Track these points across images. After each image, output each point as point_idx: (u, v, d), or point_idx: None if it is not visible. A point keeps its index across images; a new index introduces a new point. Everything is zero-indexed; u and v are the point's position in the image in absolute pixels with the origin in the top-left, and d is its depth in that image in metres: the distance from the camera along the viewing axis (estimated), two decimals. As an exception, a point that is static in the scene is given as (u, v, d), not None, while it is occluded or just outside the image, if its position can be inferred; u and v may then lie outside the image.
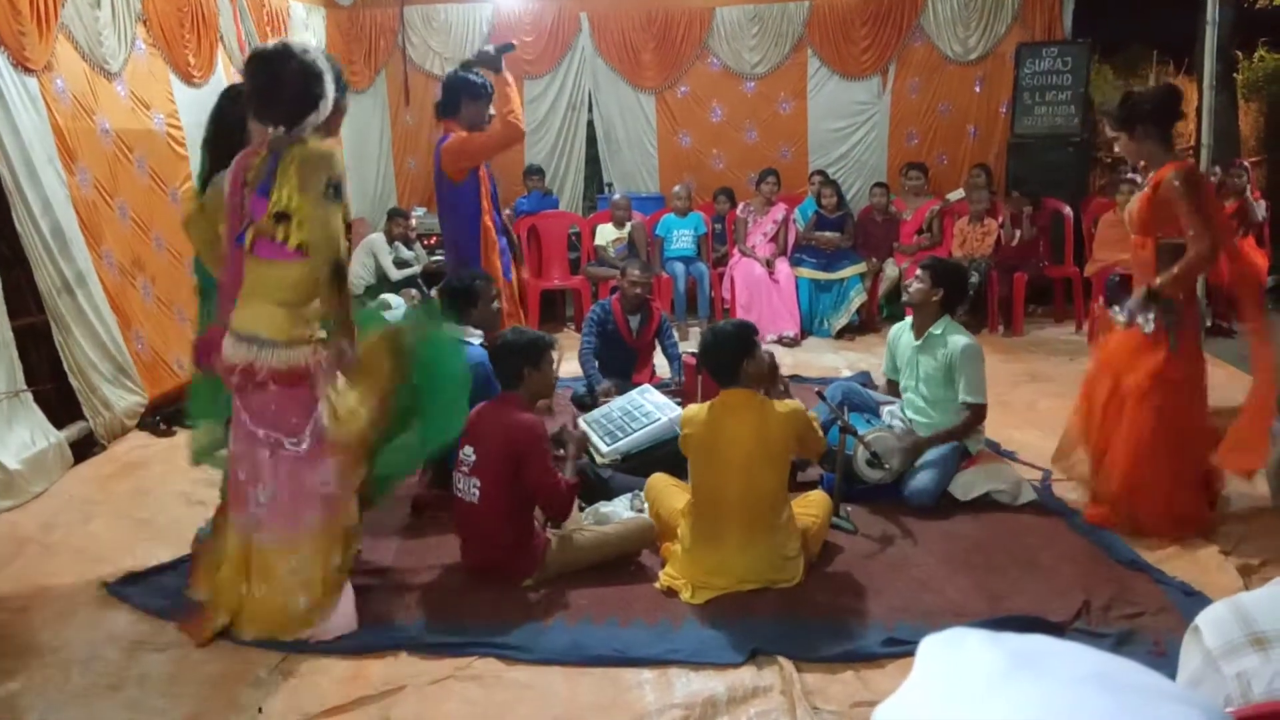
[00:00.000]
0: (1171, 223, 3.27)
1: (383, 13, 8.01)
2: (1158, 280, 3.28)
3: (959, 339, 3.75)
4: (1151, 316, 3.29)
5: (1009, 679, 0.71)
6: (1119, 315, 3.39)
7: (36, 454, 4.07)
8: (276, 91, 2.58)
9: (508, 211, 6.25)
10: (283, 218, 2.54)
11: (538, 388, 3.23)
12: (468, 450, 3.09)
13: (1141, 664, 0.75)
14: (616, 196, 7.44)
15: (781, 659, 2.59)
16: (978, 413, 3.76)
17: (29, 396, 4.20)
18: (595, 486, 3.63)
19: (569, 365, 4.78)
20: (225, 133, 2.99)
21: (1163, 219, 3.30)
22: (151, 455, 4.47)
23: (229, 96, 3.10)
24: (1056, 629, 2.72)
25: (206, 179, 3.03)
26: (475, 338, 3.76)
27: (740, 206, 7.39)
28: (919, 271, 3.89)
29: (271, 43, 2.66)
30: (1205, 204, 3.25)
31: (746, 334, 3.09)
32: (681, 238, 7.27)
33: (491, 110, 4.13)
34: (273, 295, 2.61)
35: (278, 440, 2.65)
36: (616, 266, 6.04)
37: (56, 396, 4.42)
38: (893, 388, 4.13)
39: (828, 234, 7.09)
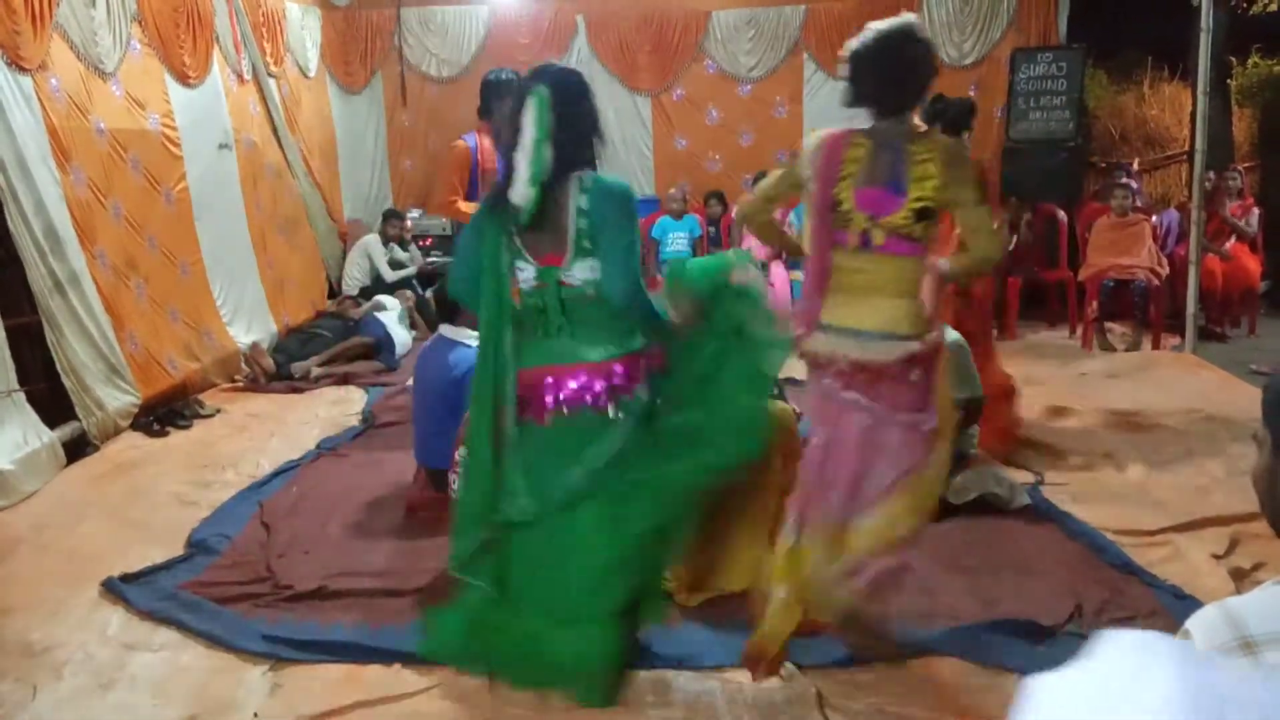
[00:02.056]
0: None
1: (379, 14, 8.01)
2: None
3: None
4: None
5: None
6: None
7: (29, 454, 4.05)
8: (906, 75, 2.47)
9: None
10: (925, 214, 2.45)
11: None
12: (464, 452, 3.07)
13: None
14: (612, 199, 7.42)
15: (776, 661, 2.59)
16: (971, 410, 3.75)
17: (21, 396, 4.19)
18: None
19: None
20: (573, 123, 2.60)
21: None
22: (144, 456, 4.46)
23: (575, 87, 2.65)
24: (1048, 632, 2.73)
25: (551, 180, 2.52)
26: (471, 339, 3.75)
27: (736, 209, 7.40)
28: None
29: (893, 22, 2.47)
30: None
31: None
32: (677, 240, 7.27)
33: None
34: (898, 289, 2.54)
35: (915, 421, 2.57)
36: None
37: (49, 396, 4.40)
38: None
39: (823, 237, 7.09)
